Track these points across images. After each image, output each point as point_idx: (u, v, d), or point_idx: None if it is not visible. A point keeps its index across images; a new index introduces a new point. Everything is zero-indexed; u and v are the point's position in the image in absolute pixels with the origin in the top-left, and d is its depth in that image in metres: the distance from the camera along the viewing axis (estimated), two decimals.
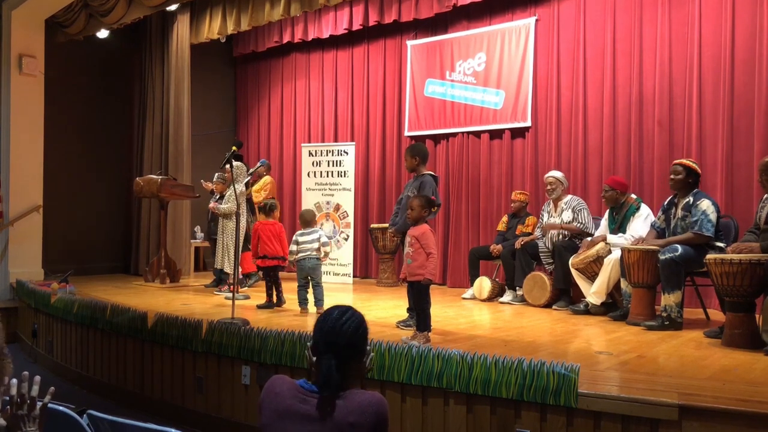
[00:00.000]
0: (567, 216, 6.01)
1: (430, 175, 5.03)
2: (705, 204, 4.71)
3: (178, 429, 2.00)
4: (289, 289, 5.94)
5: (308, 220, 5.56)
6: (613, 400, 2.81)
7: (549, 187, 6.14)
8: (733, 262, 3.94)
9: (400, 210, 5.08)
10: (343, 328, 1.86)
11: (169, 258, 7.65)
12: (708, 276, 4.35)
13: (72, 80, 8.70)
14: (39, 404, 1.61)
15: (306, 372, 3.70)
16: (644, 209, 5.53)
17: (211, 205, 6.78)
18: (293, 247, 5.33)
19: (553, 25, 7.14)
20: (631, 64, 6.53)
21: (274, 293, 5.78)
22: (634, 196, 5.67)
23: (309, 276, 5.37)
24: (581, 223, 5.94)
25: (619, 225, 5.55)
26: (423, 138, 8.09)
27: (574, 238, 5.94)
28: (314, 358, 1.88)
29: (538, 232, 6.26)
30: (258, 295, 6.53)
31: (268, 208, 6.04)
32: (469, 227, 7.69)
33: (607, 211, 5.74)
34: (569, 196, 6.14)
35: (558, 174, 6.19)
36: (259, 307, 5.72)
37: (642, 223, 5.41)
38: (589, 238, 5.74)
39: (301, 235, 5.38)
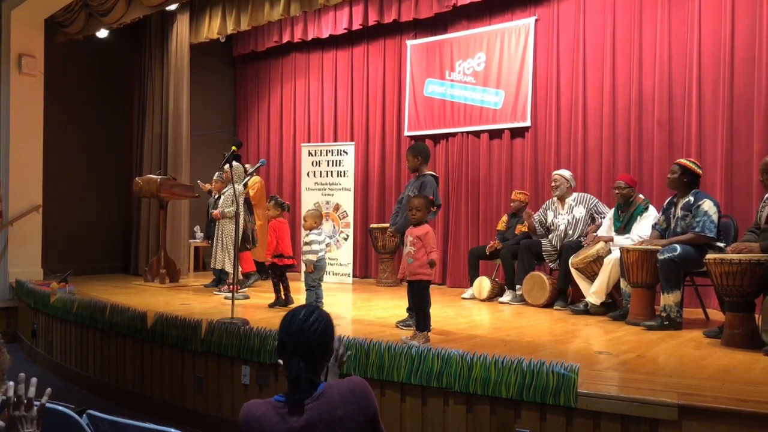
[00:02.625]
0: (579, 212, 6.00)
1: (431, 175, 5.02)
2: (707, 205, 4.70)
3: (178, 429, 2.00)
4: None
5: (320, 220, 5.60)
6: (613, 400, 2.81)
7: (554, 184, 6.13)
8: (733, 262, 3.94)
9: (400, 210, 5.08)
10: (311, 329, 1.82)
11: (169, 258, 7.65)
12: (707, 276, 4.35)
13: (71, 80, 8.70)
14: (36, 405, 1.61)
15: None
16: (652, 210, 5.49)
17: (215, 212, 6.78)
18: (317, 247, 5.34)
19: (553, 25, 7.14)
20: (631, 64, 6.53)
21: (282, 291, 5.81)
22: (642, 196, 5.66)
23: (321, 275, 5.41)
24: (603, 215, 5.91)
25: (625, 224, 5.52)
26: (423, 138, 8.09)
27: (581, 237, 5.91)
28: (280, 361, 1.84)
29: (536, 226, 6.23)
30: (257, 294, 6.53)
31: (286, 208, 6.06)
32: (469, 227, 7.69)
33: (612, 210, 5.72)
34: (575, 194, 6.13)
35: (566, 173, 6.18)
36: (272, 305, 5.74)
37: (651, 223, 5.40)
38: (596, 234, 5.73)
39: (318, 234, 5.39)
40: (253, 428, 1.77)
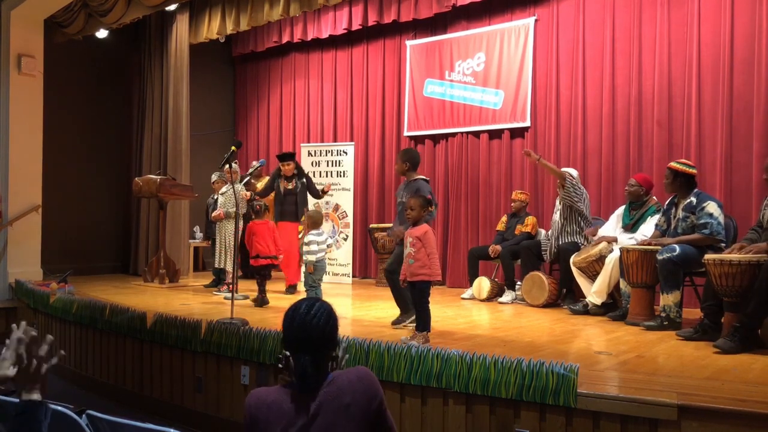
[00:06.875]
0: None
1: (422, 179, 5.03)
2: (712, 207, 4.66)
3: (178, 429, 1.99)
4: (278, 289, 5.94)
5: (320, 221, 5.63)
6: (613, 400, 2.81)
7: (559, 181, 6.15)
8: (733, 263, 3.93)
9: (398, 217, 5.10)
10: (313, 323, 1.83)
11: (168, 258, 7.64)
12: (707, 276, 4.34)
13: (71, 80, 8.69)
14: (47, 365, 1.59)
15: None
16: None
17: (216, 214, 6.79)
18: (314, 247, 5.34)
19: (553, 25, 7.14)
20: (630, 64, 6.53)
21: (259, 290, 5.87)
22: (655, 198, 5.60)
23: (321, 276, 5.42)
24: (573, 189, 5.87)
25: (634, 222, 5.49)
26: (422, 138, 8.09)
27: (577, 240, 5.89)
28: (287, 354, 1.85)
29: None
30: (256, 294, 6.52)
31: (262, 210, 6.09)
32: (469, 227, 7.69)
33: (624, 206, 5.66)
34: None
35: (573, 171, 6.18)
36: (256, 303, 5.77)
37: None
38: (596, 238, 5.71)
39: (318, 235, 5.40)
40: (263, 414, 1.79)
